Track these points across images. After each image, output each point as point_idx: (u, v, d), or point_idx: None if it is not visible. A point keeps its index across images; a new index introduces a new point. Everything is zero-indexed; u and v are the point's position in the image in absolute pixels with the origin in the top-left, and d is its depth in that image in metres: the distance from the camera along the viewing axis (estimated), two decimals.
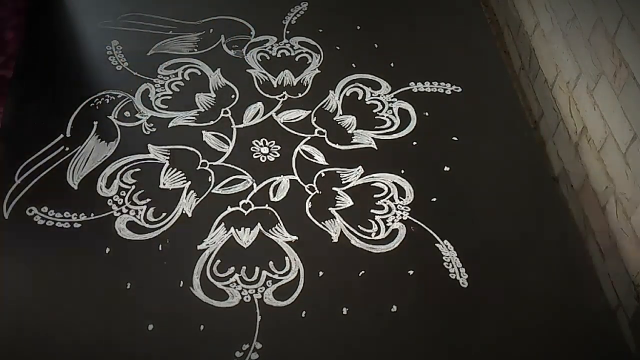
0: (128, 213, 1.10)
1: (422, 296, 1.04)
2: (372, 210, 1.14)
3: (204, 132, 1.23)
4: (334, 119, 1.28)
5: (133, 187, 1.13)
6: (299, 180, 1.17)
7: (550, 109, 1.54)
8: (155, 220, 1.09)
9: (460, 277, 1.06)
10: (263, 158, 1.20)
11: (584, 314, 1.04)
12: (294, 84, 1.33)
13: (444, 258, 1.08)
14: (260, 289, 1.02)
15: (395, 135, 1.26)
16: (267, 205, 1.13)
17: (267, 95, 1.30)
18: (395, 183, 1.18)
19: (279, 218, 1.11)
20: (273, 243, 1.08)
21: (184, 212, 1.11)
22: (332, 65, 1.37)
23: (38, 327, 0.97)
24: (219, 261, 1.05)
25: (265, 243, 1.08)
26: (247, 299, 1.01)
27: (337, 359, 0.97)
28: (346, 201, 1.15)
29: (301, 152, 1.22)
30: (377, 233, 1.11)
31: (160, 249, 1.06)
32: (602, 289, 1.11)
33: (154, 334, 0.97)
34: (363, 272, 1.06)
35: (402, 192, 1.16)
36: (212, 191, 1.14)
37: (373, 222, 1.12)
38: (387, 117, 1.28)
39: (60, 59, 1.34)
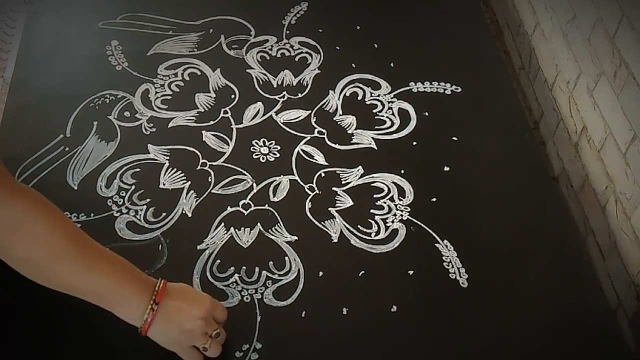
0: (128, 213, 1.10)
1: (422, 296, 1.04)
2: (372, 210, 1.14)
3: (203, 132, 1.23)
4: (334, 119, 1.28)
5: (133, 187, 1.13)
6: (299, 180, 1.17)
7: (550, 109, 1.54)
8: (155, 220, 1.09)
9: (460, 277, 1.06)
10: (263, 158, 1.20)
11: (584, 313, 1.04)
12: (294, 84, 1.33)
13: (444, 258, 1.08)
14: (260, 289, 1.02)
15: (395, 135, 1.26)
16: (267, 205, 1.13)
17: (267, 95, 1.30)
18: (395, 183, 1.18)
19: (278, 218, 1.11)
20: (273, 243, 1.08)
21: (183, 212, 1.11)
22: (332, 65, 1.37)
23: (37, 326, 0.97)
24: (218, 261, 1.05)
25: (265, 243, 1.08)
26: (247, 299, 1.01)
27: (336, 359, 0.97)
28: (346, 201, 1.15)
29: (301, 152, 1.22)
30: (377, 233, 1.11)
31: (159, 248, 1.06)
32: (602, 288, 1.11)
33: None
34: (363, 272, 1.06)
35: (402, 192, 1.16)
36: (212, 191, 1.14)
37: (373, 222, 1.12)
38: (387, 117, 1.28)
39: (60, 59, 1.34)
